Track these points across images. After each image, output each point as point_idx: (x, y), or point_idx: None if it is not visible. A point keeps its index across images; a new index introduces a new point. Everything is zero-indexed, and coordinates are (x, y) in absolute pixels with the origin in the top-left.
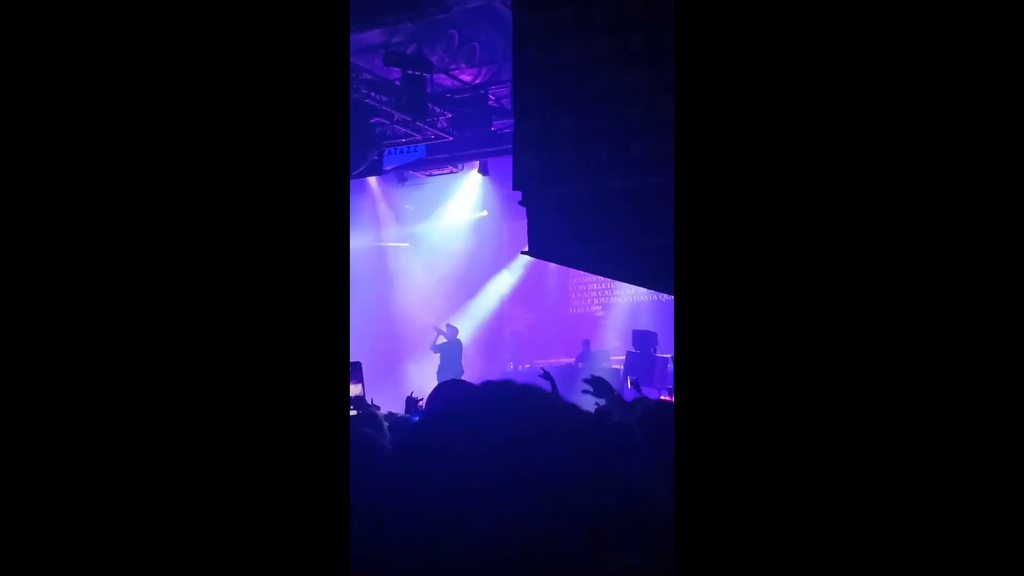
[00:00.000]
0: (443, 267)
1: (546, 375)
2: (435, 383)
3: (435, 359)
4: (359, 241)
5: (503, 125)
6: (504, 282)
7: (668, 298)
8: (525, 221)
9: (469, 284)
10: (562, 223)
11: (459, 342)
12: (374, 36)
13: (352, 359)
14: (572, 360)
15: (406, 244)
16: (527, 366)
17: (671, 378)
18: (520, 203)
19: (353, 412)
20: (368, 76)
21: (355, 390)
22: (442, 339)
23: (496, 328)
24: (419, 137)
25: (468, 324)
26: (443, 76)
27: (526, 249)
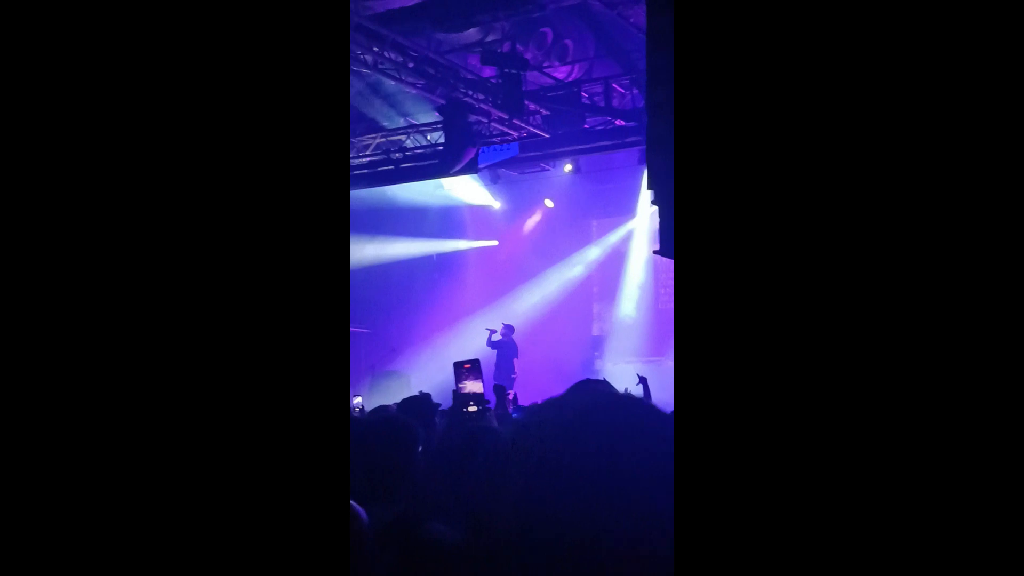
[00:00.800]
0: (532, 265)
1: (642, 381)
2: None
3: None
4: (449, 242)
5: (596, 122)
6: (592, 279)
7: None
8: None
9: (558, 281)
10: None
11: (514, 342)
12: (470, 35)
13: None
14: (662, 358)
15: (495, 243)
16: (616, 365)
17: None
18: (652, 203)
19: (473, 408)
20: (468, 75)
21: (476, 387)
22: (496, 336)
23: (583, 325)
24: (515, 135)
25: (555, 321)
26: (537, 74)
27: (657, 248)
